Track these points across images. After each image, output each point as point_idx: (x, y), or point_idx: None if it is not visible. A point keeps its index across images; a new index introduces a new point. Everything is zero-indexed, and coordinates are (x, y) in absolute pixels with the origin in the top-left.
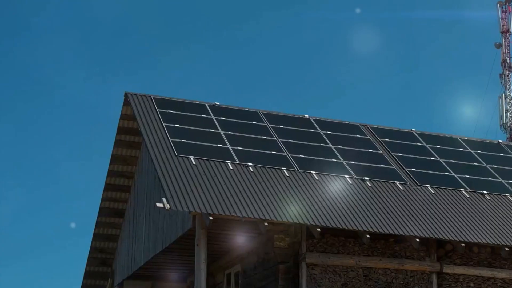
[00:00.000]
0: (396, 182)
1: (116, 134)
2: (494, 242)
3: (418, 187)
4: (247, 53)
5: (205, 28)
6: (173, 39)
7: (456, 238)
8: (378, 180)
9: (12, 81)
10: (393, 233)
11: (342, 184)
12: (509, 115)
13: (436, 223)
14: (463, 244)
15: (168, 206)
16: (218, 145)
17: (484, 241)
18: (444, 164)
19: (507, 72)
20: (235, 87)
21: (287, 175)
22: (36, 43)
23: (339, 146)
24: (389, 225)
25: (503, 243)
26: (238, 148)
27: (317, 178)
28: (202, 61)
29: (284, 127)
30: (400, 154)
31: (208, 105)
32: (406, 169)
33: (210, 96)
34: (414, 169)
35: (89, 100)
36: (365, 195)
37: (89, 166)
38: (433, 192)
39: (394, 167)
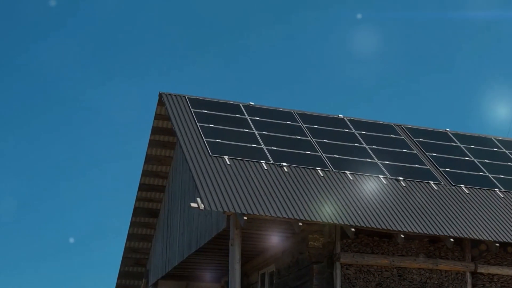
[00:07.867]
0: (430, 182)
1: (151, 134)
2: None
3: (453, 187)
4: (281, 52)
5: (240, 27)
6: (207, 38)
7: (490, 238)
8: (412, 180)
9: (41, 84)
10: (427, 233)
11: (376, 184)
12: None
13: (470, 223)
14: (498, 244)
15: (203, 206)
16: (253, 145)
17: None
18: (479, 164)
19: None
20: (270, 87)
21: (322, 175)
22: (70, 42)
23: (374, 146)
24: (423, 225)
25: None
26: (273, 148)
27: (351, 178)
28: (237, 61)
29: (319, 127)
30: (435, 154)
31: (243, 105)
32: (440, 169)
33: (244, 96)
34: (449, 169)
35: (124, 100)
36: (399, 195)
37: (124, 166)
38: (467, 192)
39: (428, 167)
